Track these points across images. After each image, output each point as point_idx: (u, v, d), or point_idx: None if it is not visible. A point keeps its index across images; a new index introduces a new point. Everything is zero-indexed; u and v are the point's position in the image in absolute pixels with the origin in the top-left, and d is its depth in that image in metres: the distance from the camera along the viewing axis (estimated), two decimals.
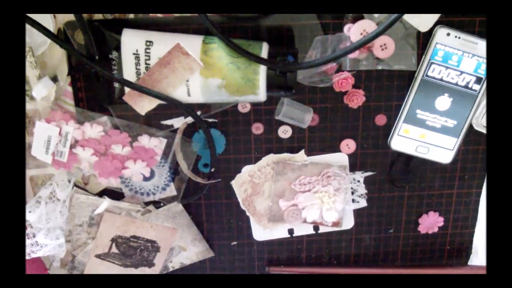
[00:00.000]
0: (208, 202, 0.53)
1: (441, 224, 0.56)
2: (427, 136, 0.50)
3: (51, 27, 0.43)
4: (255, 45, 0.43)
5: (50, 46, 0.44)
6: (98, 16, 0.44)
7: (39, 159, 0.48)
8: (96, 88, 0.45)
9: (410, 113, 0.49)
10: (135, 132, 0.48)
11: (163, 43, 0.42)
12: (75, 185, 0.51)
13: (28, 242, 0.50)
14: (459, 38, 0.45)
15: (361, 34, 0.43)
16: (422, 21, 0.45)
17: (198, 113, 0.48)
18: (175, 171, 0.51)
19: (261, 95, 0.44)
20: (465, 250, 0.58)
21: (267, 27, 0.45)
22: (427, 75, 0.47)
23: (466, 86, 0.47)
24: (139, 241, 0.53)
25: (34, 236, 0.50)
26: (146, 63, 0.43)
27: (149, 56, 0.43)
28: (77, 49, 0.43)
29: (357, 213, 0.55)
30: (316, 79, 0.47)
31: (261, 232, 0.55)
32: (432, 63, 0.46)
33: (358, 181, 0.53)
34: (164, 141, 0.49)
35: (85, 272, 0.54)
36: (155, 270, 0.55)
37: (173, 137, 0.49)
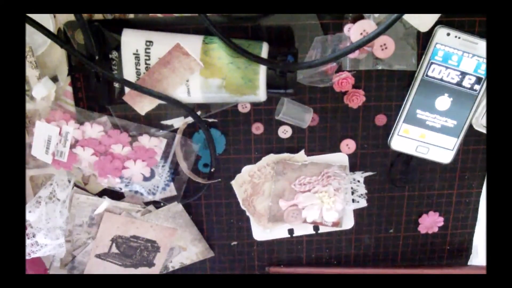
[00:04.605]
0: (208, 202, 0.53)
1: (441, 224, 0.56)
2: (427, 136, 0.50)
3: (51, 27, 0.43)
4: (255, 45, 0.43)
5: (50, 46, 0.44)
6: (98, 16, 0.44)
7: (39, 159, 0.48)
8: (96, 88, 0.45)
9: (410, 113, 0.49)
10: (135, 132, 0.48)
11: (163, 43, 0.42)
12: (75, 185, 0.51)
13: (28, 242, 0.50)
14: (459, 38, 0.45)
15: (361, 34, 0.43)
16: (422, 21, 0.45)
17: (198, 113, 0.48)
18: (175, 171, 0.51)
19: (261, 95, 0.44)
20: (465, 250, 0.58)
21: (267, 27, 0.45)
22: (427, 75, 0.47)
23: (466, 86, 0.47)
24: (139, 241, 0.53)
25: (34, 236, 0.50)
26: (146, 63, 0.43)
27: (149, 56, 0.43)
28: (77, 49, 0.43)
29: (357, 213, 0.55)
30: (316, 79, 0.47)
31: (261, 232, 0.55)
32: (432, 63, 0.46)
33: (358, 181, 0.53)
34: (164, 141, 0.49)
35: (85, 272, 0.54)
36: (155, 270, 0.55)
37: (173, 137, 0.49)
